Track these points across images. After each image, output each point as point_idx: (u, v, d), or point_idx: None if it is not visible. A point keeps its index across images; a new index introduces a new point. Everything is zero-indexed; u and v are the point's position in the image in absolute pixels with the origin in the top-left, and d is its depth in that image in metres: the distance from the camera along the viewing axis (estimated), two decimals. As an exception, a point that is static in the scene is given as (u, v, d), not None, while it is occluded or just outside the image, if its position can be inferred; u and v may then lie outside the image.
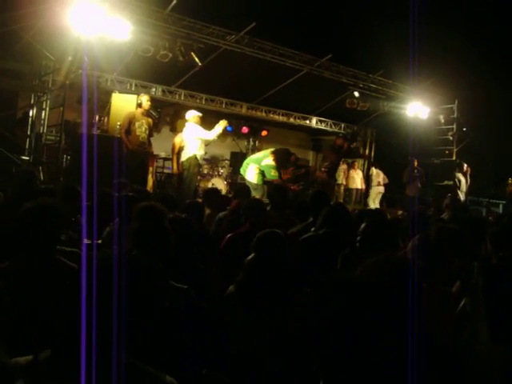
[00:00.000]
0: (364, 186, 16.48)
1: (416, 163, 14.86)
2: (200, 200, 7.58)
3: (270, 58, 12.87)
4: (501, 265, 3.68)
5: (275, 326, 3.11)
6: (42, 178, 10.37)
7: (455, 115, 16.63)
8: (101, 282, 1.64)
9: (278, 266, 3.36)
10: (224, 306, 3.36)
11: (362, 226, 4.01)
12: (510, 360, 2.14)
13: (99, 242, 3.89)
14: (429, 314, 2.15)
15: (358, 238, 3.94)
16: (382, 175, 17.08)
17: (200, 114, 10.62)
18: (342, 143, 13.31)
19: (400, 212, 12.46)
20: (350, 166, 16.71)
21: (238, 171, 12.36)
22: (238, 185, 14.34)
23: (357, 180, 16.29)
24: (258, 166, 11.04)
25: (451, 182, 14.49)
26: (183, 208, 4.96)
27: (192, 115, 10.56)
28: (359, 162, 17.34)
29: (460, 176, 14.47)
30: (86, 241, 3.49)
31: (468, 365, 2.31)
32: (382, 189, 16.84)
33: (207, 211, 6.37)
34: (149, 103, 10.39)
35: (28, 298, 2.56)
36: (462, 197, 14.18)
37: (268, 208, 6.36)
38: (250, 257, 3.40)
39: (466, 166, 14.69)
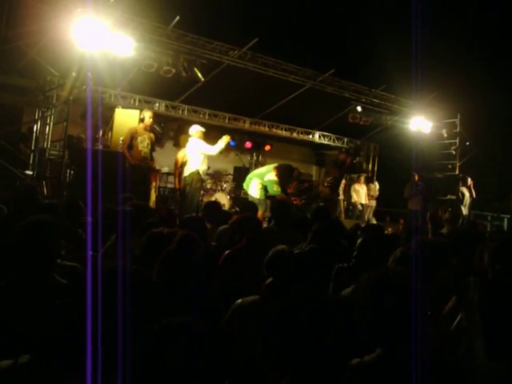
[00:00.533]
0: (369, 201, 16.44)
1: (417, 177, 14.85)
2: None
3: (273, 73, 12.93)
4: (496, 280, 3.68)
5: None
6: (45, 192, 10.40)
7: (458, 129, 16.65)
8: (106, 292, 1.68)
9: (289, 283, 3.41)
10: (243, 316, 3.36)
11: (359, 241, 4.02)
12: (506, 375, 2.14)
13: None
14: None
15: (354, 254, 3.94)
16: (377, 188, 17.17)
17: (203, 130, 10.63)
18: (344, 158, 13.31)
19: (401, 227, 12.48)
20: (356, 181, 16.67)
21: (242, 186, 12.35)
22: (241, 200, 14.34)
23: (361, 194, 16.25)
24: (260, 181, 11.03)
25: (454, 197, 14.48)
26: (181, 223, 4.95)
27: (195, 130, 10.57)
28: (364, 177, 17.28)
29: (464, 190, 14.47)
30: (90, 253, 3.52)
31: (465, 379, 2.31)
32: (374, 203, 16.85)
33: (208, 225, 6.35)
34: (151, 120, 10.37)
35: (14, 313, 2.57)
36: (464, 211, 14.17)
37: (272, 224, 6.36)
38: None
39: (469, 179, 14.70)
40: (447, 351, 2.35)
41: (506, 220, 24.75)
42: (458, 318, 2.49)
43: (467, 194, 14.41)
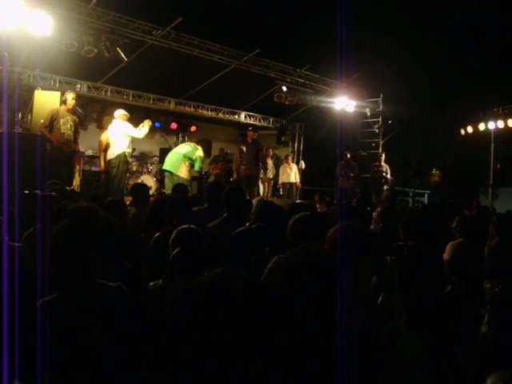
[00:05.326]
0: (298, 181, 16.59)
1: (349, 156, 15.12)
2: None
3: (198, 53, 12.80)
4: (409, 256, 3.79)
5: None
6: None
7: (380, 108, 17.04)
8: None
9: (200, 259, 3.35)
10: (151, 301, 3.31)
11: (292, 219, 4.04)
12: (426, 346, 2.22)
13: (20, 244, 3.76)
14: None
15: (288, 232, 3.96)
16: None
17: (128, 115, 10.52)
18: (252, 135, 13.14)
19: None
20: (284, 161, 16.79)
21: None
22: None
23: (291, 174, 16.36)
24: (190, 161, 11.05)
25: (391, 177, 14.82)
26: (104, 206, 4.84)
27: (120, 113, 10.45)
28: (292, 156, 17.40)
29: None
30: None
31: (390, 356, 2.37)
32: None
33: (133, 210, 6.24)
34: (74, 101, 10.09)
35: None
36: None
37: (205, 205, 6.35)
38: (174, 252, 3.38)
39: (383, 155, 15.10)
40: (372, 331, 2.39)
41: (426, 195, 25.67)
42: (380, 298, 2.55)
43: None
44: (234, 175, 13.02)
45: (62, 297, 2.71)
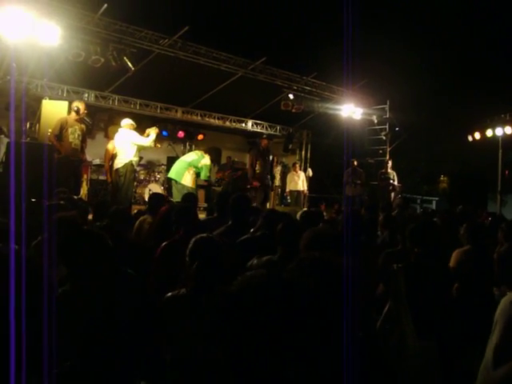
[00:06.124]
0: (306, 188, 16.58)
1: (356, 163, 15.10)
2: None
3: (204, 61, 12.83)
4: (416, 264, 3.77)
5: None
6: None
7: (387, 115, 17.02)
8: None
9: (221, 267, 3.36)
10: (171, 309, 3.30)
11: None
12: (433, 353, 2.20)
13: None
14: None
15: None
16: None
17: (135, 125, 10.55)
18: (266, 143, 13.05)
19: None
20: (292, 168, 16.79)
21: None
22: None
23: (298, 182, 16.35)
24: (195, 170, 11.06)
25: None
26: (108, 215, 4.84)
27: (127, 123, 10.48)
28: (299, 164, 17.39)
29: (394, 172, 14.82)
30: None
31: (397, 362, 2.36)
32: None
33: (148, 219, 6.23)
34: (85, 111, 10.22)
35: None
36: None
37: (215, 215, 6.37)
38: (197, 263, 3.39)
39: (390, 162, 15.08)
40: (380, 340, 2.39)
41: (434, 202, 25.56)
42: (387, 306, 2.53)
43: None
44: (254, 182, 12.64)
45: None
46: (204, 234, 3.62)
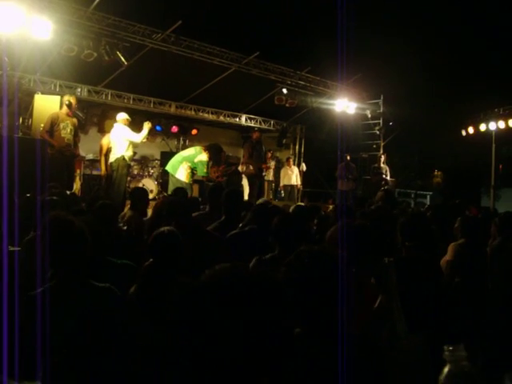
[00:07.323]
0: (299, 183, 16.61)
1: (349, 158, 15.12)
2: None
3: (198, 56, 12.81)
4: (407, 257, 3.77)
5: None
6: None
7: (381, 110, 17.03)
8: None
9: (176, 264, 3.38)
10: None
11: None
12: (425, 347, 2.20)
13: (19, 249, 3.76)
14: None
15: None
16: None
17: (129, 118, 10.51)
18: (258, 136, 13.08)
19: (331, 207, 12.65)
20: (285, 163, 16.81)
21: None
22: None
23: (292, 177, 16.37)
24: (189, 164, 11.01)
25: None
26: (95, 209, 4.82)
27: (122, 117, 10.44)
28: (293, 159, 17.41)
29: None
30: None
31: (389, 357, 2.36)
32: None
33: (129, 213, 6.22)
34: (76, 106, 10.21)
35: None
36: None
37: (207, 209, 6.37)
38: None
39: (383, 156, 15.10)
40: (371, 333, 2.39)
41: (428, 197, 25.63)
42: (378, 300, 2.54)
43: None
44: (248, 167, 12.74)
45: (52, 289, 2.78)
46: (164, 228, 3.59)
